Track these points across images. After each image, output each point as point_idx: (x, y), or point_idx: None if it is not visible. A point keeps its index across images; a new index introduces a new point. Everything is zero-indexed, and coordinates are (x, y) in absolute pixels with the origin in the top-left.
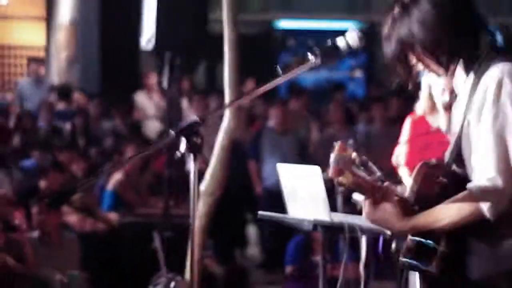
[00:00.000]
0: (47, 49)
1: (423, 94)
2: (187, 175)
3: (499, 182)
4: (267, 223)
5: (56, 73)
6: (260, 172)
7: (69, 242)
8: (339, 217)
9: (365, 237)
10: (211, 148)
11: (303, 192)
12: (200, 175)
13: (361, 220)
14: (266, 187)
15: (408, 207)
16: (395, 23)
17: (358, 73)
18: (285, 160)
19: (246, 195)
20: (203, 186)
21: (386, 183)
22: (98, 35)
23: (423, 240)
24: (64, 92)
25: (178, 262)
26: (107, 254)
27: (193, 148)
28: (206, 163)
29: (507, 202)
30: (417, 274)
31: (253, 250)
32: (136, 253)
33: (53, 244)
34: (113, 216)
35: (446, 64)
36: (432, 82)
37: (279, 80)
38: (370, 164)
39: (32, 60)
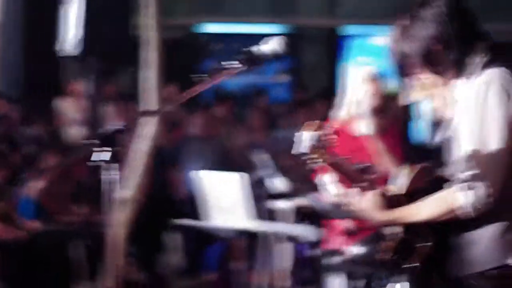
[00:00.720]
0: None
1: (347, 99)
2: (108, 181)
3: (482, 176)
4: (189, 229)
5: None
6: (183, 179)
7: None
8: (261, 224)
9: (287, 244)
10: (133, 154)
11: (225, 199)
12: (122, 183)
13: (283, 227)
14: (187, 193)
15: (389, 201)
16: (401, 38)
17: (283, 78)
18: (208, 166)
19: (168, 202)
20: (125, 193)
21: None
22: (21, 39)
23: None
24: None
25: (99, 270)
26: (26, 262)
27: (115, 155)
28: (127, 171)
29: (490, 201)
30: (337, 279)
31: (175, 257)
32: (56, 261)
33: None
34: (33, 224)
35: (442, 75)
36: (356, 86)
37: (204, 86)
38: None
39: None
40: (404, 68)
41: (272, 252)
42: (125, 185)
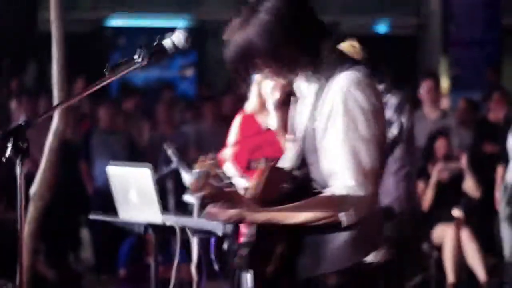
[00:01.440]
0: None
1: (253, 92)
2: (16, 178)
3: (359, 191)
4: (100, 225)
5: None
6: (91, 173)
7: None
8: (171, 219)
9: (196, 238)
10: (42, 149)
11: (134, 193)
12: (31, 178)
13: (192, 222)
14: (97, 187)
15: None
16: (236, 30)
17: (189, 72)
18: (115, 159)
19: (79, 197)
20: (32, 190)
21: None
22: None
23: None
24: None
25: (9, 268)
26: None
27: (19, 151)
28: (36, 166)
29: (366, 210)
30: (249, 275)
31: (86, 253)
32: None
33: None
34: None
35: (286, 72)
36: (262, 80)
37: (108, 80)
38: (221, 171)
39: None
40: (240, 61)
41: (184, 246)
42: (32, 181)
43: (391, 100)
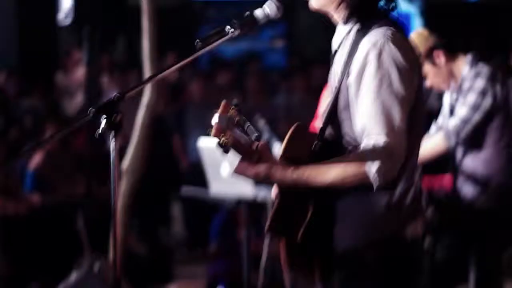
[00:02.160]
0: None
1: None
2: (108, 152)
3: (389, 147)
4: (191, 200)
5: None
6: (185, 147)
7: None
8: (262, 193)
9: None
10: (133, 125)
11: (226, 168)
12: (122, 153)
13: None
14: (191, 161)
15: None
16: None
17: (279, 43)
18: (208, 133)
19: (171, 172)
20: (125, 165)
21: (261, 143)
22: (15, 10)
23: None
24: None
25: (102, 242)
26: (29, 236)
27: (113, 125)
28: (127, 141)
29: (395, 168)
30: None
31: (178, 228)
32: (59, 234)
33: None
34: (35, 197)
35: (357, 6)
36: None
37: (200, 52)
38: (248, 124)
39: None
40: None
41: None
42: (124, 156)
43: (483, 70)
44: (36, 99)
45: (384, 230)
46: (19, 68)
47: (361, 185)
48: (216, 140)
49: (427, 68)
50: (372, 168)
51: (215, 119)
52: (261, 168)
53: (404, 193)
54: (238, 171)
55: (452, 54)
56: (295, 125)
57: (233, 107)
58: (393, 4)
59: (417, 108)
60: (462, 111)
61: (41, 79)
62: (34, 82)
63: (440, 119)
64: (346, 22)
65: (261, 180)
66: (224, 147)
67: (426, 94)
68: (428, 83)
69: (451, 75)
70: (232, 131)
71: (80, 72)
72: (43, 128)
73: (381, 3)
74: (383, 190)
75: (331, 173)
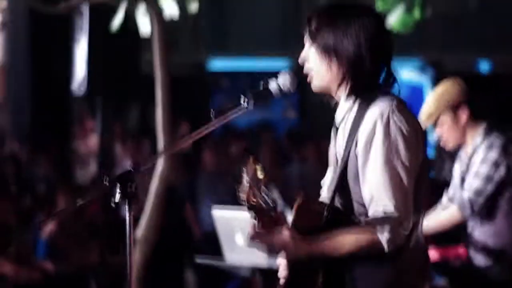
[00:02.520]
0: None
1: None
2: (122, 221)
3: (396, 214)
4: (205, 268)
5: None
6: (197, 216)
7: None
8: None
9: None
10: (146, 193)
11: (240, 236)
12: (135, 222)
13: None
14: (204, 230)
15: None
16: (324, 28)
17: (292, 114)
18: (221, 202)
19: (184, 241)
20: (138, 233)
21: (278, 211)
22: (29, 79)
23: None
24: None
25: None
26: None
27: (128, 196)
28: (141, 209)
29: (403, 235)
30: None
31: None
32: None
33: None
34: (49, 264)
35: (359, 85)
36: None
37: (214, 125)
38: (271, 189)
39: None
40: (326, 54)
41: None
42: (138, 225)
43: (497, 141)
44: (47, 167)
45: None
46: (32, 137)
47: (371, 252)
48: (244, 200)
49: (446, 119)
50: (383, 236)
51: (245, 182)
52: (279, 239)
53: (413, 258)
54: (255, 237)
55: (475, 118)
56: (298, 200)
57: (260, 168)
58: (393, 80)
59: (422, 176)
60: (475, 182)
61: (53, 148)
62: (46, 151)
63: (451, 190)
64: (347, 98)
65: (276, 250)
66: (254, 209)
67: (440, 166)
68: (438, 132)
69: (463, 136)
70: (260, 194)
71: (92, 141)
72: (55, 196)
73: (381, 78)
74: (392, 255)
75: (346, 244)
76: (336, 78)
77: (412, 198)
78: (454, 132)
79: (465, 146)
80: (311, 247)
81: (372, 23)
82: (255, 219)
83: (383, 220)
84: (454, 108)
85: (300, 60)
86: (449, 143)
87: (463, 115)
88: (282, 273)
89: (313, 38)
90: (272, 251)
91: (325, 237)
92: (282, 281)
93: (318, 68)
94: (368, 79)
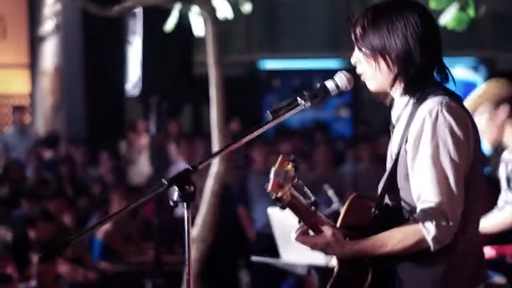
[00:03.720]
0: (32, 96)
1: None
2: (176, 221)
3: (444, 211)
4: (260, 267)
5: (42, 121)
6: (250, 215)
7: None
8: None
9: None
10: (200, 192)
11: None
12: (192, 221)
13: None
14: (257, 230)
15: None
16: (370, 28)
17: (344, 112)
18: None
19: (238, 240)
20: (194, 233)
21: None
22: (83, 81)
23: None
24: (51, 141)
25: None
26: None
27: (185, 196)
28: (196, 209)
29: (449, 233)
30: None
31: None
32: None
33: None
34: (104, 265)
35: (412, 81)
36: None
37: (271, 123)
38: (306, 188)
39: (16, 108)
40: (375, 53)
41: None
42: (194, 224)
43: None
44: (103, 168)
45: None
46: (87, 138)
47: (418, 250)
48: (273, 194)
49: (485, 110)
50: (429, 234)
51: (271, 174)
52: (319, 240)
53: (465, 258)
54: (298, 240)
55: None
56: (352, 194)
57: (289, 162)
58: (445, 74)
59: (473, 173)
60: None
61: (108, 148)
62: (101, 151)
63: (503, 193)
64: (402, 96)
65: (318, 251)
66: (281, 202)
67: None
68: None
69: (499, 134)
70: (290, 187)
71: (143, 141)
72: (110, 196)
73: (434, 74)
74: (441, 254)
75: (390, 243)
76: (388, 78)
77: (461, 196)
78: (490, 127)
79: (507, 147)
80: (355, 246)
81: (417, 17)
82: (283, 208)
83: (429, 217)
84: (496, 103)
85: (352, 63)
86: (483, 136)
87: (503, 113)
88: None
89: (360, 41)
90: (316, 250)
91: (369, 239)
92: (332, 278)
93: (369, 70)
94: (420, 75)
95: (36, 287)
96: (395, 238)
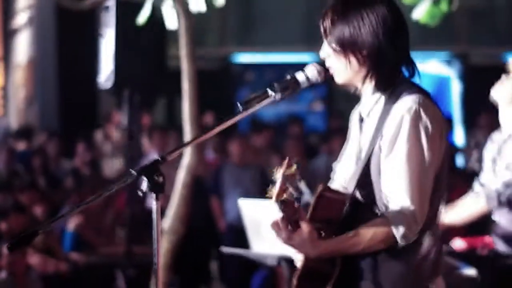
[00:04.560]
0: (4, 89)
1: None
2: (148, 211)
3: (412, 209)
4: (231, 258)
5: (15, 113)
6: (223, 207)
7: (33, 283)
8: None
9: None
10: (172, 184)
11: (267, 227)
12: (162, 212)
13: None
14: (228, 221)
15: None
16: (339, 22)
17: (318, 106)
18: (247, 194)
19: (209, 231)
20: (165, 224)
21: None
22: (56, 74)
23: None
24: (24, 133)
25: None
26: None
27: (155, 187)
28: (167, 200)
29: (416, 231)
30: None
31: (217, 286)
32: None
33: (19, 285)
34: (75, 256)
35: (383, 77)
36: None
37: (241, 115)
38: (302, 184)
39: None
40: (345, 50)
41: None
42: (165, 215)
43: None
44: (76, 160)
45: (411, 286)
46: (59, 130)
47: (386, 245)
48: (276, 197)
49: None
50: (398, 233)
51: (279, 177)
52: (295, 236)
53: (429, 250)
54: (274, 228)
55: None
56: (320, 187)
57: (293, 165)
58: (413, 69)
59: (442, 172)
60: (505, 175)
61: (81, 140)
62: (74, 144)
63: (483, 176)
64: (373, 92)
65: (293, 247)
66: (283, 204)
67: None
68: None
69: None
70: (292, 188)
71: (118, 134)
72: (83, 188)
73: (403, 69)
74: (407, 247)
75: (361, 242)
76: (358, 72)
77: (429, 195)
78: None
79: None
80: (328, 247)
81: (386, 11)
82: (282, 211)
83: (399, 215)
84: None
85: (321, 57)
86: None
87: None
88: (298, 263)
89: (329, 34)
90: (288, 244)
91: (343, 236)
92: (299, 269)
93: (338, 64)
94: (391, 71)
95: (7, 279)
96: (366, 237)
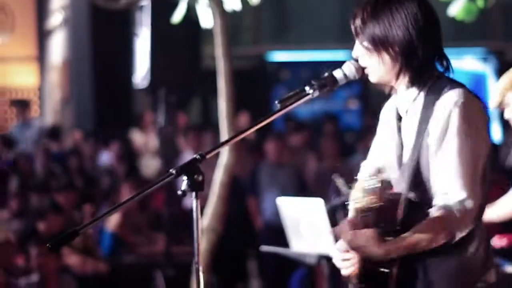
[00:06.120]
0: (40, 90)
1: None
2: (185, 212)
3: (470, 204)
4: (269, 257)
5: (50, 114)
6: (259, 206)
7: (67, 285)
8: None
9: None
10: (209, 183)
11: (305, 225)
12: (200, 212)
13: None
14: (265, 220)
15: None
16: (369, 20)
17: (354, 104)
18: (283, 193)
19: (247, 230)
20: (204, 223)
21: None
22: (91, 74)
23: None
24: (54, 133)
25: None
26: None
27: (194, 186)
28: (204, 199)
29: (471, 225)
30: None
31: (256, 285)
32: None
33: (51, 286)
34: (113, 257)
35: (416, 73)
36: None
37: (278, 113)
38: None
39: (17, 102)
40: (377, 48)
41: None
42: (203, 215)
43: None
44: (112, 160)
45: (469, 281)
46: (95, 130)
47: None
48: (370, 202)
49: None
50: (456, 227)
51: (377, 184)
52: (361, 239)
53: (478, 246)
54: (338, 230)
55: None
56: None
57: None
58: (447, 65)
59: (487, 166)
60: None
61: (117, 140)
62: (110, 143)
63: None
64: (408, 88)
65: (351, 248)
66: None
67: (505, 153)
68: (506, 114)
69: None
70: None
71: (153, 134)
72: (119, 188)
73: (437, 65)
74: (461, 244)
75: (423, 239)
76: (391, 70)
77: (480, 188)
78: None
79: None
80: (392, 245)
81: (416, 7)
82: (363, 217)
83: (457, 210)
84: None
85: (353, 57)
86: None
87: None
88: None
89: (360, 33)
90: (354, 247)
91: (404, 235)
92: (354, 271)
93: (371, 62)
94: (424, 66)
95: (38, 280)
96: (427, 234)
